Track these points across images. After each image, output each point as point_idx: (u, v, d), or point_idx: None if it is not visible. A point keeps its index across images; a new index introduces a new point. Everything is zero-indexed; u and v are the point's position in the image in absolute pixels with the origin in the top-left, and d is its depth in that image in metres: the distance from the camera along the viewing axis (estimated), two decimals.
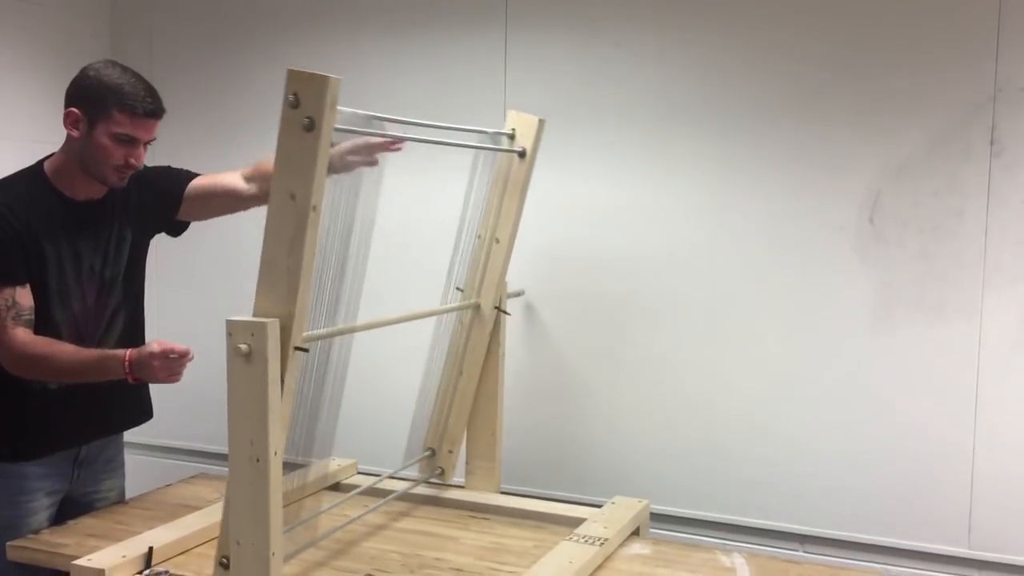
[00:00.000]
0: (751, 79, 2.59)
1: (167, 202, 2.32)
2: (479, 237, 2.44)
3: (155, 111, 2.09)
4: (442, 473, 2.52)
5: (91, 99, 2.05)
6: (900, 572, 2.48)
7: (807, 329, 2.58)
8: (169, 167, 2.37)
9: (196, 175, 2.35)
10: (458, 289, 2.45)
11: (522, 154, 2.38)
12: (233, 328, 1.63)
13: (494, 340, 2.53)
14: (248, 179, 2.31)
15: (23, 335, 2.02)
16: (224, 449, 1.71)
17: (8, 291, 2.01)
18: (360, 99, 3.01)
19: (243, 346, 1.62)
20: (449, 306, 2.44)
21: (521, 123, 2.39)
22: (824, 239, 2.55)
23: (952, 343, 2.44)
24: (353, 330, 1.98)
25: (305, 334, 1.73)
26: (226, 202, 2.34)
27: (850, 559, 2.55)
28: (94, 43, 3.34)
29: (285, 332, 1.65)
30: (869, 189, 2.50)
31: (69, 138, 2.10)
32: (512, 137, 2.39)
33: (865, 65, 2.47)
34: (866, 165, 2.49)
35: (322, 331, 1.87)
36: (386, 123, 1.93)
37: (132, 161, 2.10)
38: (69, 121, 2.08)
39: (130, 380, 2.01)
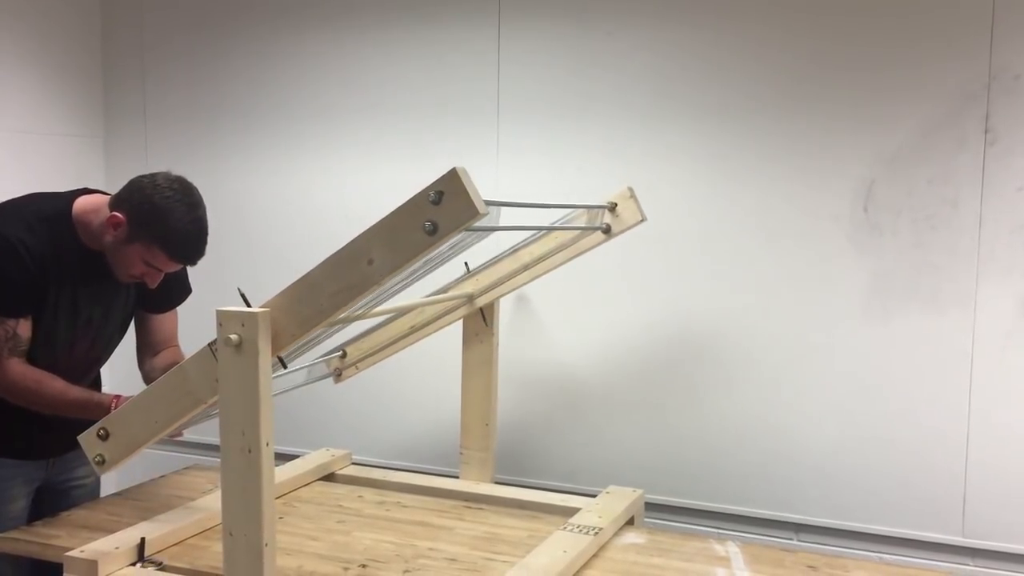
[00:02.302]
0: (745, 69, 2.58)
1: (156, 296, 2.27)
2: (515, 251, 2.45)
3: (193, 263, 2.06)
4: (339, 375, 2.49)
5: (141, 221, 1.99)
6: (894, 560, 2.48)
7: (801, 318, 2.58)
8: (186, 278, 2.34)
9: (180, 302, 2.35)
10: (465, 264, 2.46)
11: (607, 231, 2.36)
12: (223, 318, 1.62)
13: (488, 331, 2.53)
14: (152, 365, 2.28)
15: (18, 366, 2.04)
16: (216, 440, 1.70)
17: (11, 323, 2.02)
18: (353, 89, 3.02)
19: (233, 336, 1.61)
20: (445, 295, 2.43)
21: (626, 206, 2.35)
22: (819, 228, 2.54)
23: (946, 332, 2.44)
24: (345, 321, 1.97)
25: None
26: (139, 337, 2.34)
27: (844, 548, 2.56)
28: (85, 32, 3.32)
29: (280, 336, 1.64)
30: (863, 178, 2.49)
31: (109, 220, 2.03)
32: (612, 210, 2.35)
33: (859, 53, 2.46)
34: (860, 154, 2.49)
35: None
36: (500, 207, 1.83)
37: (147, 281, 2.09)
38: (111, 222, 2.01)
39: None
